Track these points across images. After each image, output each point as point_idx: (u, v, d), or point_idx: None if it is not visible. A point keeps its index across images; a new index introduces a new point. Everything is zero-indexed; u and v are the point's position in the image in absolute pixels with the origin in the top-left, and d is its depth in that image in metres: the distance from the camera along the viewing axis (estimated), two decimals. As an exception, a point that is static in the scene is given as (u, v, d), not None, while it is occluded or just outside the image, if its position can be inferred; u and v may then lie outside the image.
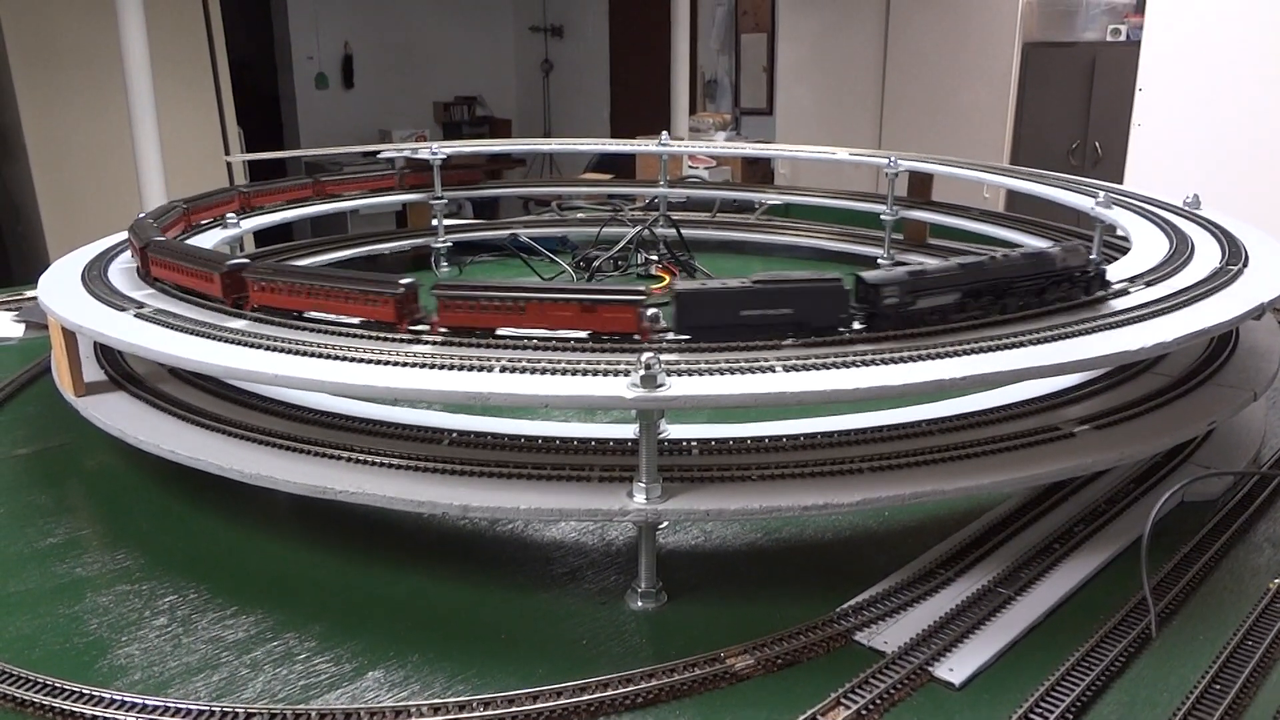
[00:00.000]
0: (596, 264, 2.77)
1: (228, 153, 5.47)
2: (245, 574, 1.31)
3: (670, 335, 1.29)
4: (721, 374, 1.19)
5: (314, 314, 1.42)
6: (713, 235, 3.22)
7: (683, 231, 3.00)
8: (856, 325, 1.31)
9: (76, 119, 5.00)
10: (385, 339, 1.33)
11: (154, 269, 1.67)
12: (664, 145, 3.24)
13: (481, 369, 1.23)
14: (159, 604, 1.24)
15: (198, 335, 1.39)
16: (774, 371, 1.20)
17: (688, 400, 1.13)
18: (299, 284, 1.42)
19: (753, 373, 1.19)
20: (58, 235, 4.96)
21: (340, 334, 1.36)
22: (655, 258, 2.90)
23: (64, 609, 1.23)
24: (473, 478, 1.26)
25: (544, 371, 1.21)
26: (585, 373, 1.20)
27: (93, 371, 1.67)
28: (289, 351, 1.31)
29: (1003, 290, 1.36)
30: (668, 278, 2.78)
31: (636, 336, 1.29)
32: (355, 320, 1.38)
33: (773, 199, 3.36)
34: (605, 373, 1.19)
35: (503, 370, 1.22)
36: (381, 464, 1.30)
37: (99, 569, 1.32)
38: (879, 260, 2.88)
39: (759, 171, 6.20)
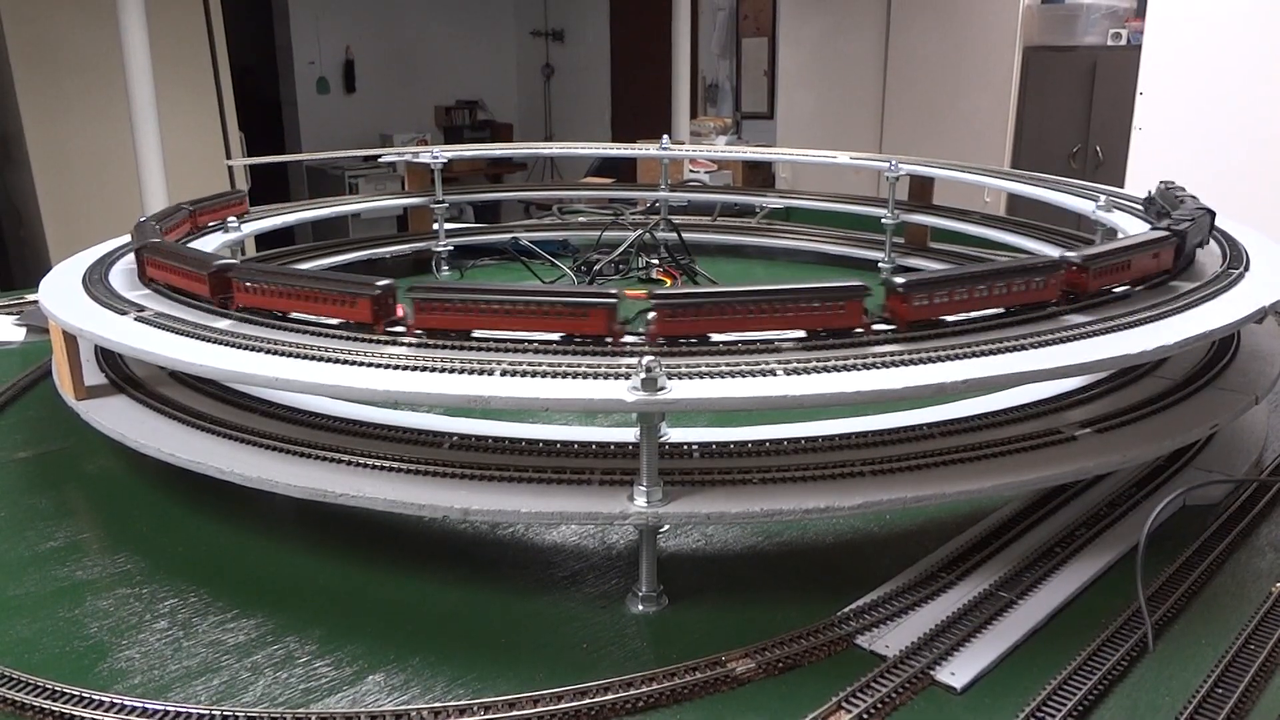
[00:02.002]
0: (598, 267, 2.77)
1: (229, 157, 5.48)
2: (246, 577, 1.31)
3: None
4: (722, 377, 1.19)
5: (319, 318, 1.42)
6: (713, 239, 3.22)
7: (683, 235, 3.01)
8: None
9: (78, 124, 5.01)
10: (378, 341, 1.33)
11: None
12: (665, 149, 3.25)
13: (482, 372, 1.23)
14: (159, 607, 1.23)
15: (197, 338, 1.39)
16: (775, 375, 1.20)
17: (688, 403, 1.13)
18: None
19: (754, 376, 1.19)
20: (59, 240, 4.96)
21: (341, 338, 1.36)
22: (656, 261, 2.91)
23: (64, 612, 1.23)
24: (473, 481, 1.26)
25: (545, 375, 1.21)
26: (586, 376, 1.20)
27: (93, 375, 1.67)
28: (286, 355, 1.31)
29: None
30: (669, 281, 2.78)
31: (641, 339, 1.29)
32: (359, 323, 1.38)
33: (773, 202, 3.36)
34: (606, 376, 1.19)
35: (503, 374, 1.22)
36: (382, 467, 1.30)
37: (99, 572, 1.32)
38: (880, 264, 2.88)
39: (760, 175, 6.21)
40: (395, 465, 1.30)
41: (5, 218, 5.40)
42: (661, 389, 1.13)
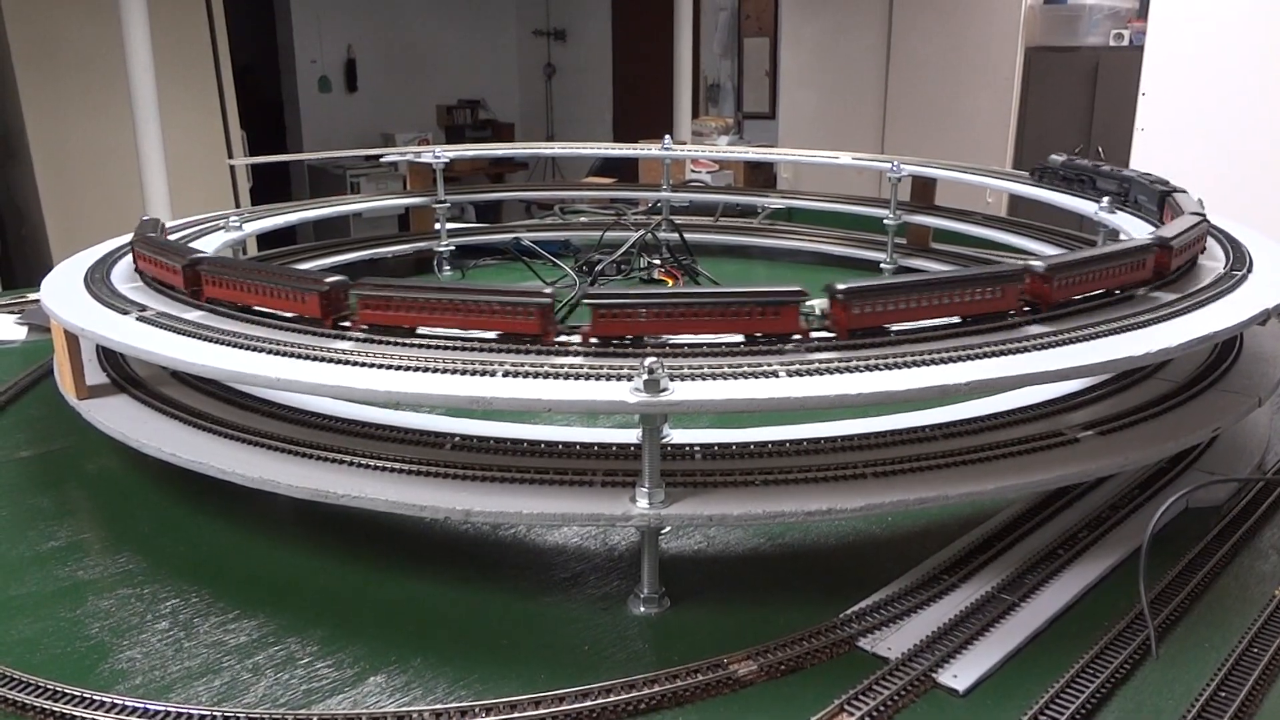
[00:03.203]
0: (599, 268, 2.77)
1: (231, 156, 5.48)
2: (247, 578, 1.31)
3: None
4: (725, 379, 1.19)
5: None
6: (715, 239, 3.22)
7: (685, 235, 3.01)
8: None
9: (80, 122, 5.01)
10: (380, 342, 1.33)
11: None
12: (667, 149, 3.24)
13: (484, 374, 1.22)
14: (161, 608, 1.23)
15: (199, 339, 1.39)
16: (777, 376, 1.19)
17: (690, 405, 1.13)
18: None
19: (756, 378, 1.19)
20: (60, 238, 4.97)
21: (350, 339, 1.36)
22: (658, 262, 2.90)
23: (66, 612, 1.22)
24: (475, 482, 1.26)
25: (546, 376, 1.21)
26: (588, 377, 1.20)
27: (95, 374, 1.67)
28: (287, 355, 1.31)
29: None
30: (671, 282, 2.78)
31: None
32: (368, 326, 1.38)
33: (775, 203, 3.36)
34: (608, 377, 1.19)
35: (505, 375, 1.22)
36: (383, 468, 1.30)
37: (101, 572, 1.32)
38: (881, 265, 2.87)
39: (761, 175, 6.20)
40: (397, 466, 1.30)
41: (7, 215, 5.40)
42: (664, 390, 1.13)
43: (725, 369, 1.21)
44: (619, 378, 1.18)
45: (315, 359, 1.28)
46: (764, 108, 7.13)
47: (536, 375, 1.21)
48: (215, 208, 2.38)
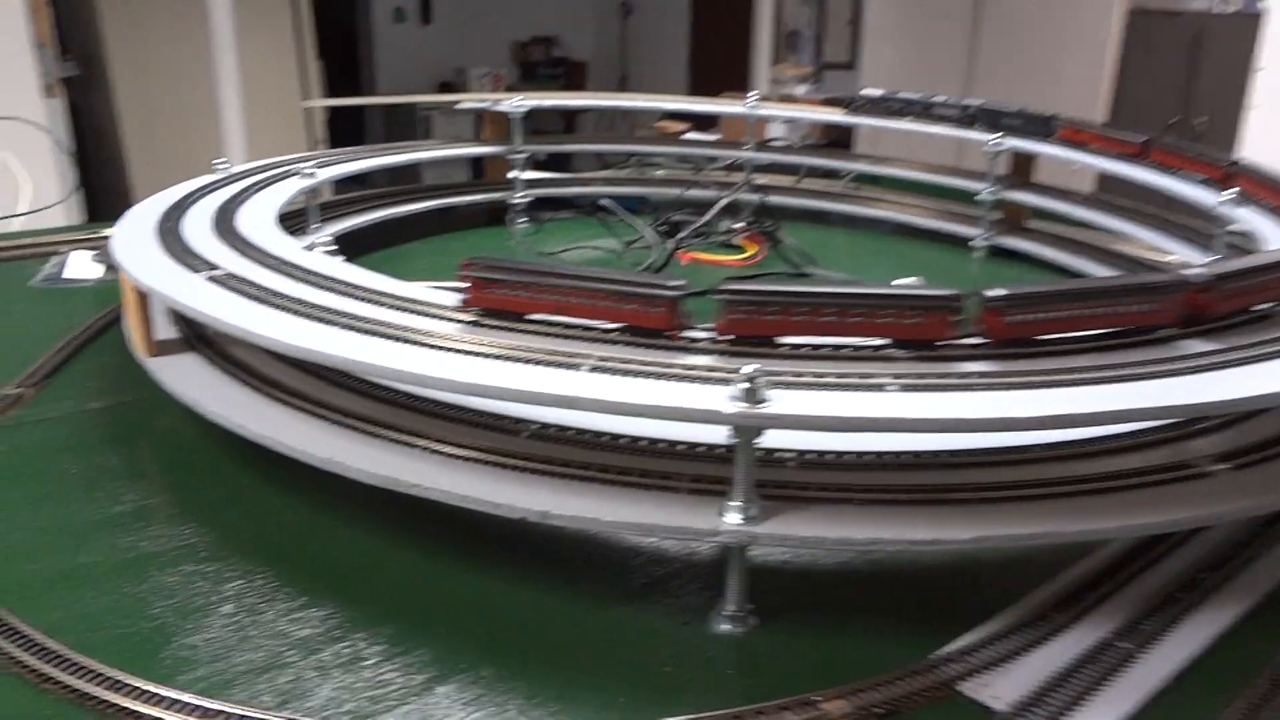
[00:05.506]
0: (682, 235, 2.65)
1: (306, 83, 5.42)
2: (315, 561, 1.26)
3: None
4: (829, 389, 1.10)
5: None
6: (794, 203, 3.08)
7: (767, 199, 2.88)
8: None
9: (159, 47, 4.99)
10: (469, 324, 1.26)
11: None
12: (752, 109, 3.10)
13: (569, 367, 1.15)
14: (225, 589, 1.19)
15: (271, 305, 1.34)
16: (886, 391, 1.10)
17: (791, 420, 1.05)
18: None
19: (863, 390, 1.10)
20: (139, 161, 4.98)
21: (431, 315, 1.29)
22: (739, 226, 2.78)
23: (130, 587, 1.19)
24: (553, 479, 1.19)
25: (635, 375, 1.13)
26: (680, 379, 1.12)
27: (166, 328, 1.63)
28: (366, 333, 1.25)
29: None
30: (753, 248, 2.67)
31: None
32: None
33: (862, 168, 3.20)
34: (702, 380, 1.11)
35: (592, 370, 1.15)
36: (459, 456, 1.24)
37: (165, 544, 1.28)
38: (971, 243, 2.73)
39: (835, 133, 5.99)
40: (471, 455, 1.24)
41: (86, 139, 5.42)
42: (762, 401, 1.05)
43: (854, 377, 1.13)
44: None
45: (397, 341, 1.22)
46: (844, 57, 6.87)
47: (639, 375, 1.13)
48: (292, 141, 2.32)
